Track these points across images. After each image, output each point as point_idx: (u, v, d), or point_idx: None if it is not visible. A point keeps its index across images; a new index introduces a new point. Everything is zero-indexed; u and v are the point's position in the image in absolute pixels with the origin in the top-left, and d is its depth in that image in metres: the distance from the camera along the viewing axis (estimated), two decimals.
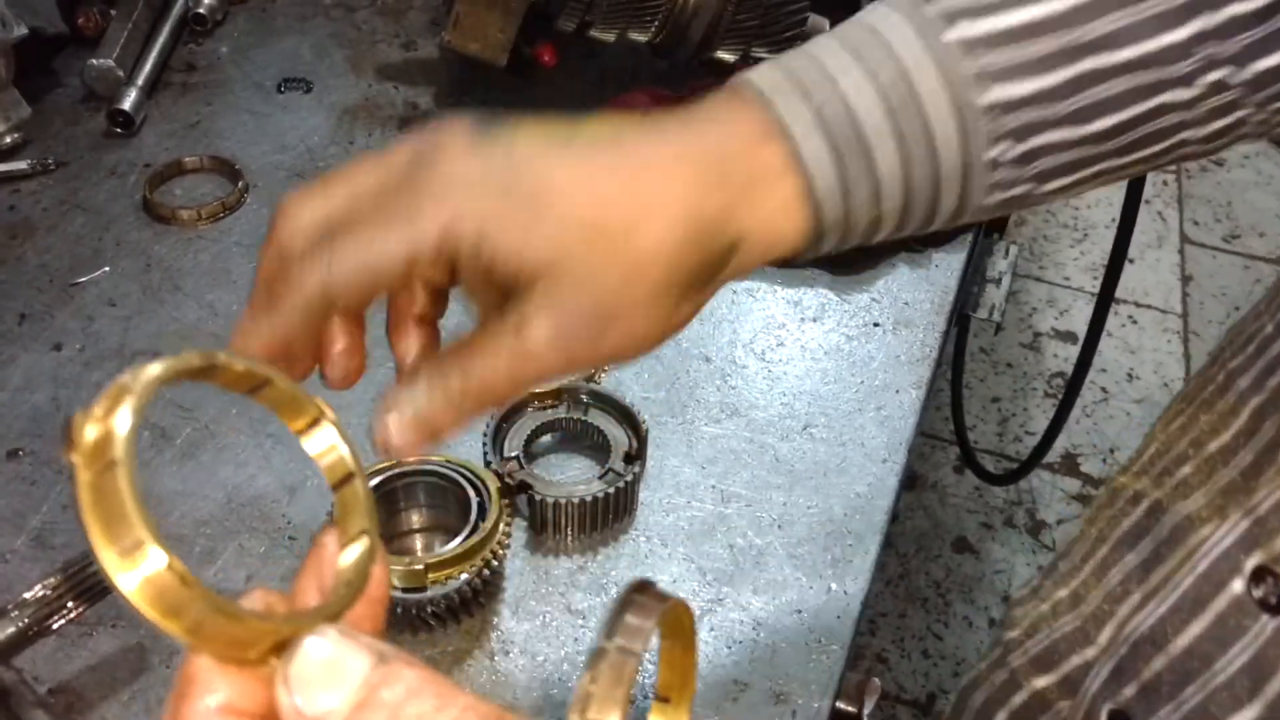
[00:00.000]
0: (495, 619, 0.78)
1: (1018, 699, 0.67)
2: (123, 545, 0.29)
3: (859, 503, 0.86)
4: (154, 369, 0.33)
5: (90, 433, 0.30)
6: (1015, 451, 2.63)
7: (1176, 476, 0.60)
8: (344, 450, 0.39)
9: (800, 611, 0.79)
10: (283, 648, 0.32)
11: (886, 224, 0.50)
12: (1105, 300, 1.88)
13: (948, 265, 1.08)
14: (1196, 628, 0.55)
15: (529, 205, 0.45)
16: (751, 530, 0.84)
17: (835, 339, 0.99)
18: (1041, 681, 0.65)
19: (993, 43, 0.47)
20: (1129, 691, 0.57)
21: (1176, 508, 0.59)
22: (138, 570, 0.29)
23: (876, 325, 1.01)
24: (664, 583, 0.80)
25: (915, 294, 1.04)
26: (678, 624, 0.39)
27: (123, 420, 0.30)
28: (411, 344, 0.51)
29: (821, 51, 0.48)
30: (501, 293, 0.46)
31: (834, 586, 0.80)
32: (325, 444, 0.39)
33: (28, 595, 0.68)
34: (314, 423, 0.39)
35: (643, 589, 0.36)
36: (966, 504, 2.53)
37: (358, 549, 0.38)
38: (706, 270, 0.47)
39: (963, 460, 2.38)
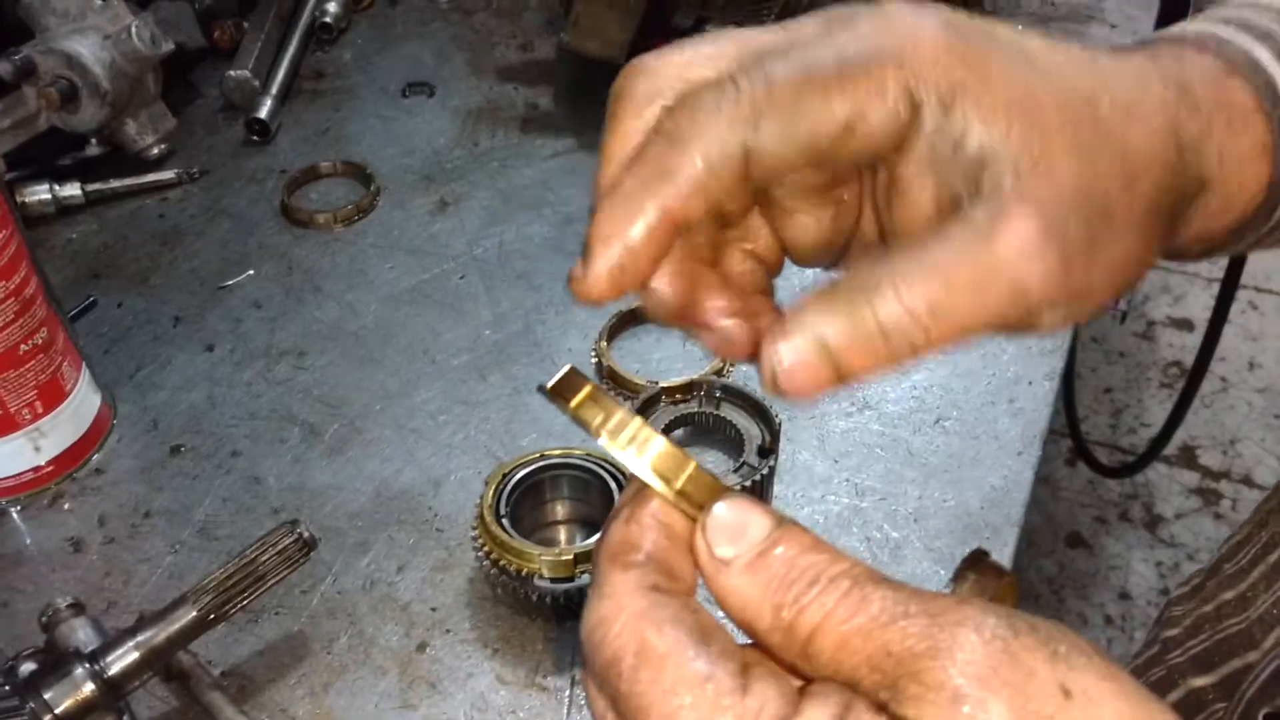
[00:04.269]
0: None
1: (1172, 696, 0.67)
2: (634, 441, 0.38)
3: (995, 495, 0.86)
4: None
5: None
6: (1129, 444, 2.57)
7: None
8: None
9: None
10: None
11: None
12: (1230, 286, 1.83)
13: None
14: None
15: (1015, 64, 0.36)
16: (887, 524, 0.84)
17: None
18: (1200, 681, 0.65)
19: None
20: None
21: None
22: (648, 453, 0.38)
23: None
24: None
25: None
26: (1007, 596, 0.40)
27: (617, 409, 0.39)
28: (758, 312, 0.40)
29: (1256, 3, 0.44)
30: (936, 205, 0.37)
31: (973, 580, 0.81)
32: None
33: (205, 583, 0.72)
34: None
35: (984, 556, 0.38)
36: (1079, 498, 2.49)
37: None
38: (1178, 205, 0.40)
39: (1075, 453, 2.34)
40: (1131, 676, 0.32)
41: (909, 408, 0.92)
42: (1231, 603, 0.64)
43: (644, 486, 0.38)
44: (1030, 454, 0.89)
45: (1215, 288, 2.77)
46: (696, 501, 0.37)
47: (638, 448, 0.38)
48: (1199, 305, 2.88)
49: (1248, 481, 2.52)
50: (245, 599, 0.72)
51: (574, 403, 0.38)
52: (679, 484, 0.37)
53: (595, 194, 0.38)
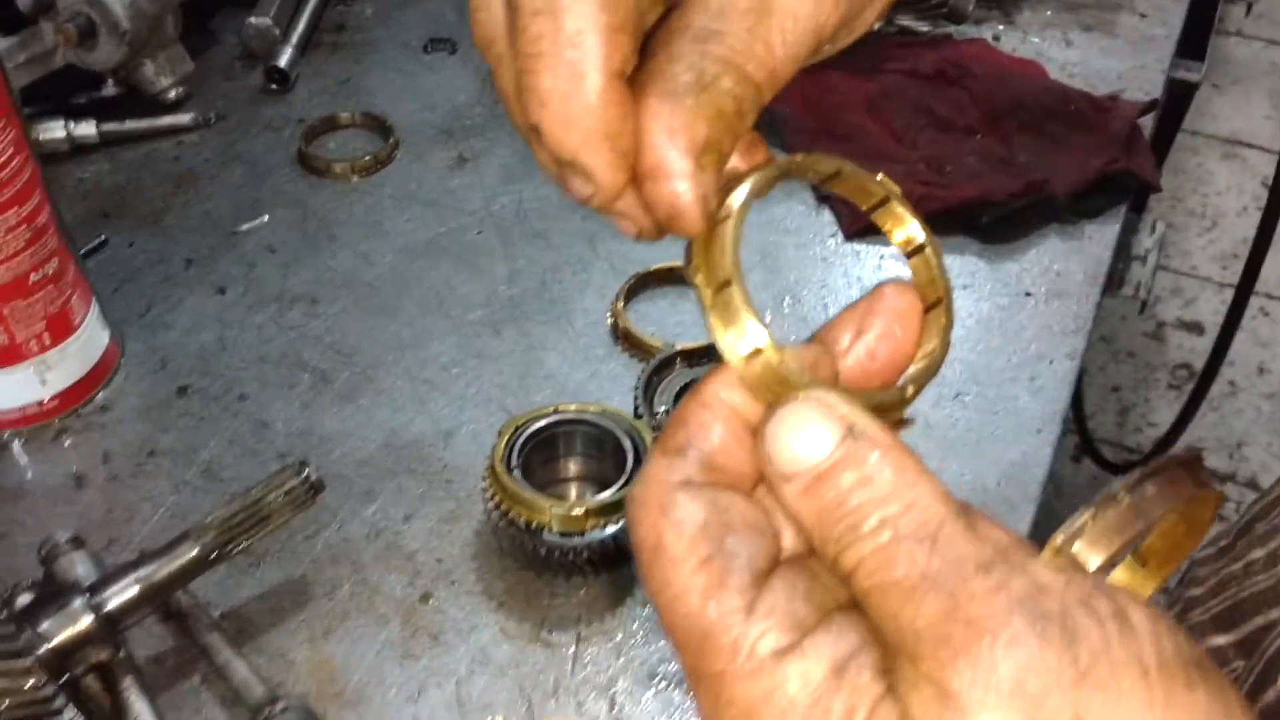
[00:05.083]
0: None
1: None
2: (720, 305, 0.35)
3: (1013, 471, 0.85)
4: (746, 186, 0.37)
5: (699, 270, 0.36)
6: (1135, 443, 2.56)
7: None
8: (913, 223, 0.40)
9: None
10: None
11: None
12: (1244, 291, 1.82)
13: (1100, 237, 1.05)
14: None
15: None
16: None
17: (986, 308, 0.98)
18: (1220, 639, 0.64)
19: None
20: None
21: None
22: (730, 321, 0.35)
23: (1028, 295, 0.99)
24: None
25: (1067, 264, 1.02)
26: (1199, 512, 0.37)
27: (728, 246, 0.36)
28: None
29: None
30: None
31: None
32: (894, 218, 0.40)
33: (208, 521, 0.70)
34: (882, 201, 0.39)
35: (1191, 463, 0.35)
36: (1083, 494, 2.47)
37: (934, 341, 0.38)
38: None
39: (1081, 449, 2.33)
40: (1213, 702, 0.28)
41: None
42: (1261, 560, 0.63)
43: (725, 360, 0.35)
44: (1049, 432, 0.88)
45: (1226, 292, 2.75)
46: (771, 390, 0.34)
47: (722, 312, 0.35)
48: (1209, 309, 2.86)
49: (1253, 485, 2.51)
50: (249, 539, 0.70)
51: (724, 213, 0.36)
52: (753, 367, 0.35)
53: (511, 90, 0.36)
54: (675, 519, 0.33)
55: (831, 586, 0.34)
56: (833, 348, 0.38)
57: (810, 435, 0.32)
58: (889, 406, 0.37)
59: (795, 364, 0.35)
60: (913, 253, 0.40)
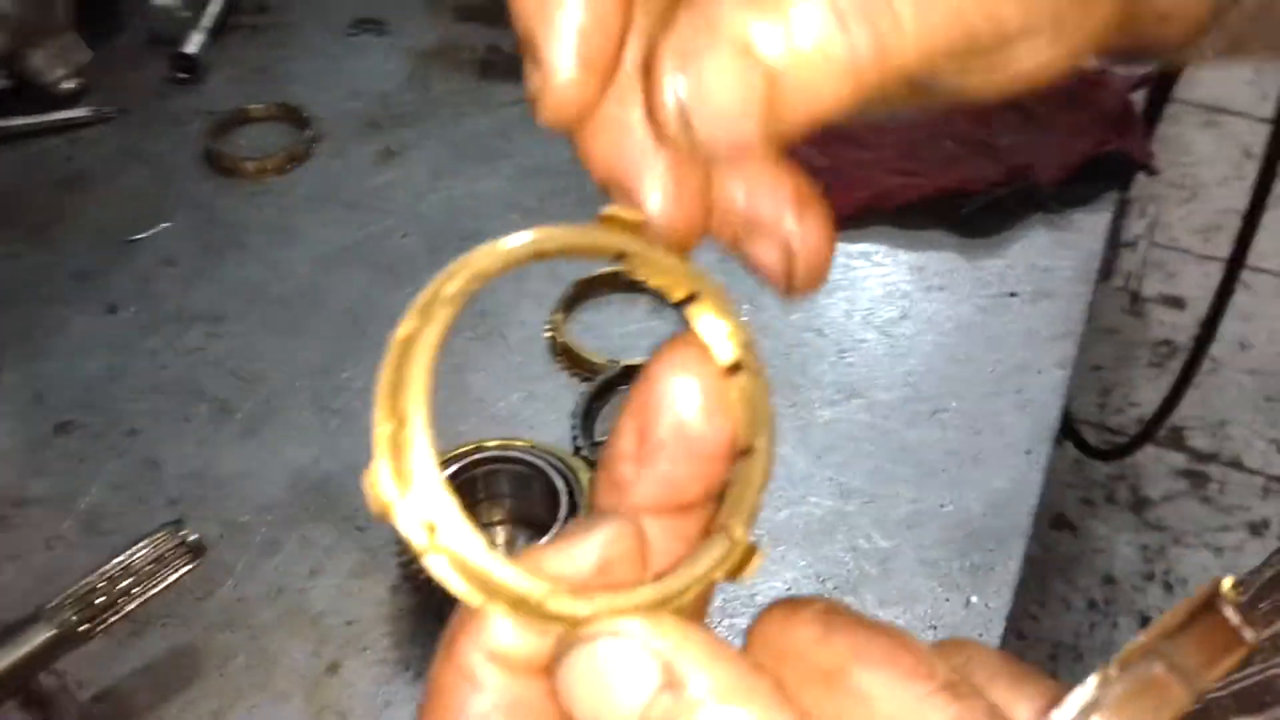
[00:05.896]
0: None
1: None
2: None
3: (999, 499, 0.76)
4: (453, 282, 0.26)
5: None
6: (1117, 424, 2.49)
7: None
8: (731, 335, 0.30)
9: (935, 628, 0.69)
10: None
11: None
12: (1236, 264, 1.74)
13: (1091, 227, 0.96)
14: None
15: None
16: (876, 531, 0.74)
17: (966, 310, 0.88)
18: None
19: None
20: None
21: None
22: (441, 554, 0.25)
23: (1013, 295, 0.90)
24: (777, 591, 0.71)
25: (1055, 260, 0.93)
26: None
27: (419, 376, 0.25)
28: None
29: None
30: None
31: (973, 599, 0.70)
32: (708, 322, 0.30)
33: (72, 590, 0.61)
34: (692, 296, 0.30)
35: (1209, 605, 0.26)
36: (1064, 478, 2.40)
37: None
38: None
39: (1062, 433, 2.25)
40: None
41: (902, 396, 0.82)
42: None
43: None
44: (1040, 453, 0.79)
45: (1208, 265, 2.68)
46: (548, 626, 0.25)
47: (430, 524, 0.25)
48: (1191, 283, 2.79)
49: (1236, 465, 2.45)
50: (115, 614, 0.61)
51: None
52: (513, 608, 0.25)
53: None
54: None
55: None
56: (622, 485, 0.29)
57: (616, 688, 0.24)
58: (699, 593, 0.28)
59: (571, 578, 0.25)
60: (729, 371, 0.30)
